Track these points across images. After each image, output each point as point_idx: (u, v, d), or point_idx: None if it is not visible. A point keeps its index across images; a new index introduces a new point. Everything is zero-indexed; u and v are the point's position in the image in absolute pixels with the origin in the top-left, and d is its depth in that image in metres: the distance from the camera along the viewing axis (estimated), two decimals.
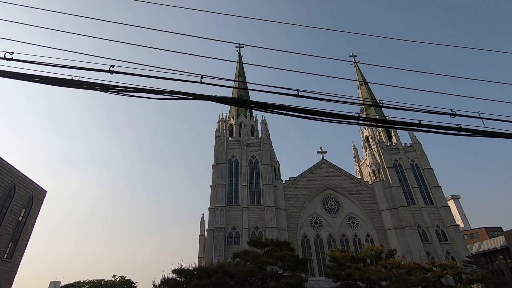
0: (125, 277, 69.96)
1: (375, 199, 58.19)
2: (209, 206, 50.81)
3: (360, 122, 5.77)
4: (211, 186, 52.92)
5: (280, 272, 23.69)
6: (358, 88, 75.29)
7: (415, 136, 66.08)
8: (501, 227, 77.71)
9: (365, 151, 66.63)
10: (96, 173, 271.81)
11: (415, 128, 5.93)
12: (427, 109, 6.10)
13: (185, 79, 5.24)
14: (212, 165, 55.61)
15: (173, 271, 20.48)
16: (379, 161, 61.89)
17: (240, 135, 61.26)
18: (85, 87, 4.90)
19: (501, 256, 63.83)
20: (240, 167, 55.99)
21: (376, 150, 63.54)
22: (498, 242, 66.08)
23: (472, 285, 24.46)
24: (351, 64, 78.23)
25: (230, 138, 60.47)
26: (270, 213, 50.72)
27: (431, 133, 5.59)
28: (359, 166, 69.06)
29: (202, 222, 71.53)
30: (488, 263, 64.52)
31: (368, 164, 62.44)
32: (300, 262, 21.37)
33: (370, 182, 60.45)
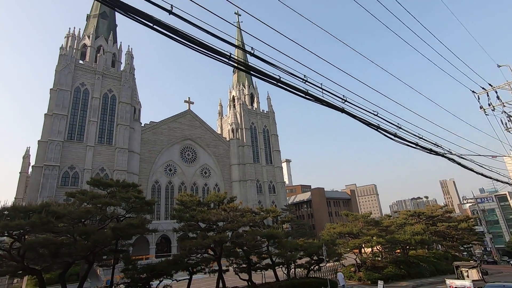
0: None
1: (229, 154, 64.16)
2: (39, 139, 41.11)
3: (228, 61, 5.75)
4: (45, 114, 42.62)
5: (123, 214, 22.64)
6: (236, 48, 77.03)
7: (271, 106, 75.75)
8: (310, 185, 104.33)
9: (229, 110, 70.91)
10: None
11: (275, 82, 6.52)
12: (289, 70, 6.79)
13: None
14: (51, 89, 44.37)
15: None
16: (239, 121, 67.61)
17: (96, 61, 51.01)
18: None
19: (305, 206, 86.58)
20: (91, 99, 47.50)
21: (238, 111, 68.78)
22: (306, 196, 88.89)
23: (283, 225, 31.82)
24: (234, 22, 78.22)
25: (81, 62, 49.48)
26: (121, 155, 46.75)
27: (287, 92, 6.29)
28: (221, 123, 73.18)
29: (26, 157, 57.56)
30: (297, 210, 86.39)
31: (230, 122, 67.15)
32: (146, 203, 21.06)
33: (228, 139, 65.65)
